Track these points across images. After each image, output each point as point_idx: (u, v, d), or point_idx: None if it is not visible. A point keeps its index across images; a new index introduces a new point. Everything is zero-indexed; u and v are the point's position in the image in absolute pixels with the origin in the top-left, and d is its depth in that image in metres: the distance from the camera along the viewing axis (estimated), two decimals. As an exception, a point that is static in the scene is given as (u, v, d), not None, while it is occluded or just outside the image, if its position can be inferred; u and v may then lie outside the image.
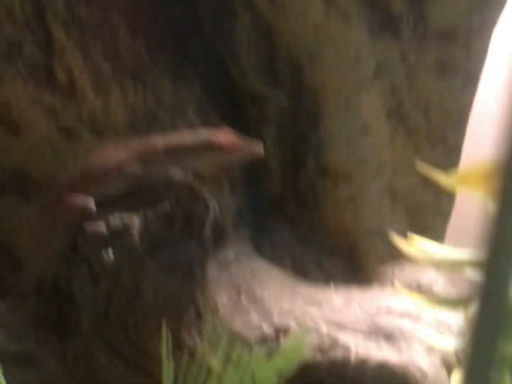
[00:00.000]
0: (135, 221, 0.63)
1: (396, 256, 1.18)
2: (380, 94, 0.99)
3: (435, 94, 1.05)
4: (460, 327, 0.91)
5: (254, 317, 0.82)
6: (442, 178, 0.60)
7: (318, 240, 1.14)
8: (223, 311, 0.78)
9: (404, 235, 1.19)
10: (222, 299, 0.79)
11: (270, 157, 1.05)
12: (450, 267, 0.62)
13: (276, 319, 0.83)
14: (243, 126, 1.04)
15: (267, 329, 0.81)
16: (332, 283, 0.94)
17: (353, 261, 1.18)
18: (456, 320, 0.91)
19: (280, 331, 0.83)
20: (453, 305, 0.81)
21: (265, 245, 1.11)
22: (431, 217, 1.18)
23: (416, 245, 0.68)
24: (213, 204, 0.67)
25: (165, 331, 0.61)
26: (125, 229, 0.63)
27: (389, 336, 0.88)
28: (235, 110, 1.00)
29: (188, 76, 0.95)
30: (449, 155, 1.14)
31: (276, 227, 1.11)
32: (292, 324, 0.85)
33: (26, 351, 0.64)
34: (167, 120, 0.94)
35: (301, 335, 0.48)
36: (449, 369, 0.87)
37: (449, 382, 0.85)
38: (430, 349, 0.86)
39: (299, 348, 0.47)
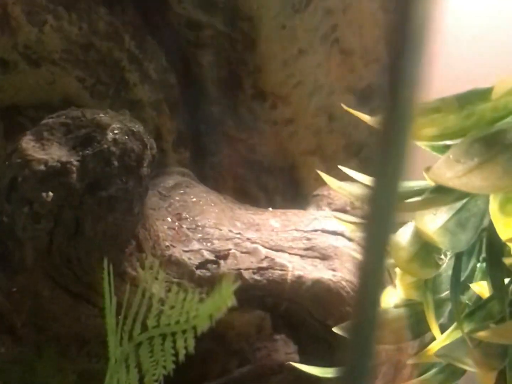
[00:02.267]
0: (73, 159, 0.65)
1: (334, 176, 1.23)
2: (315, 18, 1.00)
3: (368, 15, 1.06)
4: (390, 246, 0.95)
5: (195, 244, 0.85)
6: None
7: (258, 161, 1.17)
8: (164, 240, 0.81)
9: (341, 153, 1.23)
10: (163, 228, 0.82)
11: (208, 81, 1.06)
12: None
13: (217, 244, 0.87)
14: (181, 51, 1.04)
15: (208, 254, 0.85)
16: (270, 208, 0.97)
17: (292, 181, 1.22)
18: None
19: (220, 256, 0.86)
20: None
21: (206, 167, 1.13)
22: (366, 134, 1.22)
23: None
24: (150, 141, 0.69)
25: (106, 263, 0.64)
26: (63, 168, 0.65)
27: (323, 256, 0.93)
28: (172, 35, 1.00)
29: (123, 3, 0.95)
30: (384, 74, 1.17)
31: (216, 149, 1.13)
32: (232, 248, 0.88)
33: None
34: (104, 47, 0.94)
35: (230, 281, 0.51)
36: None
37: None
38: (362, 267, 0.91)
39: (228, 294, 0.50)
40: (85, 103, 0.96)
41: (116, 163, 0.67)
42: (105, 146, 0.67)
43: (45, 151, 0.68)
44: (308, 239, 0.93)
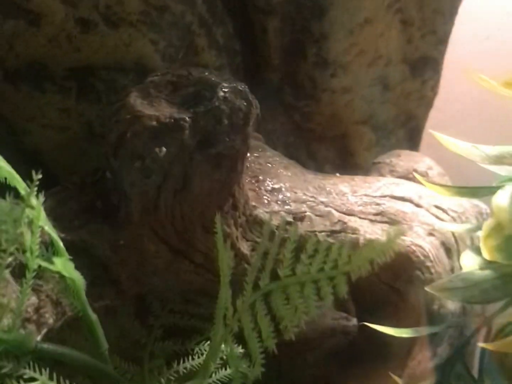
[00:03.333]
0: (186, 116, 0.66)
1: (383, 144, 1.25)
2: (383, -13, 1.02)
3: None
4: (457, 212, 0.98)
5: (274, 206, 0.86)
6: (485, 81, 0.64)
7: (311, 129, 1.19)
8: (250, 201, 0.83)
9: (391, 123, 1.25)
10: (247, 189, 0.84)
11: (271, 48, 1.08)
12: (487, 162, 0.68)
13: (293, 206, 0.88)
14: (247, 17, 1.05)
15: (286, 215, 0.86)
16: (337, 173, 0.99)
17: (343, 150, 1.24)
18: (452, 205, 0.98)
19: (297, 218, 0.88)
20: (452, 193, 0.88)
21: (260, 132, 1.15)
22: (416, 105, 1.24)
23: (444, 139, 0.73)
24: (254, 100, 0.70)
25: (217, 223, 0.66)
26: (176, 125, 0.66)
27: (393, 221, 0.95)
28: (241, 1, 1.01)
29: (196, -33, 0.95)
30: (437, 46, 1.19)
31: (272, 115, 1.14)
32: (307, 211, 0.90)
33: (81, 241, 0.68)
34: (178, 10, 0.95)
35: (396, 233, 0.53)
36: (447, 250, 0.94)
37: (448, 261, 0.93)
38: (430, 232, 0.93)
39: (392, 242, 0.52)
40: (156, 65, 0.97)
41: (226, 121, 0.69)
42: (217, 104, 0.68)
43: (155, 108, 0.69)
44: (377, 204, 0.95)
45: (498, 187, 0.71)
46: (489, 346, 0.70)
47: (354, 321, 1.15)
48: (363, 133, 1.19)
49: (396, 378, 0.85)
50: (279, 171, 0.93)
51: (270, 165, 0.93)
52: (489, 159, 0.70)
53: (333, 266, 0.57)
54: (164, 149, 0.66)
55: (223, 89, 0.69)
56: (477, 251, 0.82)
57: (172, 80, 0.71)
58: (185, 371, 0.77)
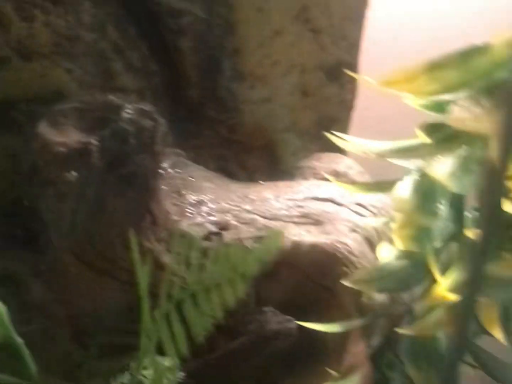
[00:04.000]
0: (92, 140, 0.69)
1: (309, 149, 1.29)
2: (287, 0, 1.06)
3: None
4: (377, 207, 1.02)
5: (198, 218, 0.89)
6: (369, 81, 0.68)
7: (237, 140, 1.22)
8: (171, 215, 0.85)
9: (314, 128, 1.29)
10: (169, 204, 0.87)
11: (187, 66, 1.11)
12: (381, 157, 0.72)
13: (218, 217, 0.91)
14: (161, 38, 1.09)
15: (211, 226, 0.89)
16: (260, 181, 1.02)
17: (271, 158, 1.27)
18: (372, 201, 1.02)
19: (222, 227, 0.91)
20: (370, 189, 0.92)
21: (189, 149, 1.18)
22: (337, 109, 1.28)
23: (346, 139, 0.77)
24: (160, 119, 0.73)
25: (132, 239, 0.68)
26: (84, 149, 0.69)
27: (316, 221, 0.98)
28: (153, 24, 1.04)
29: (105, -6, 0.98)
30: (350, 51, 1.23)
31: (197, 131, 1.17)
32: (232, 220, 0.93)
33: (3, 268, 0.70)
34: (90, 39, 0.98)
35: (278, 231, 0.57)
36: (370, 244, 0.98)
37: (373, 255, 0.97)
38: (353, 229, 0.97)
39: (277, 240, 0.55)
40: (75, 94, 0.99)
41: (133, 141, 0.72)
42: (122, 125, 0.71)
43: (63, 135, 0.72)
44: (300, 207, 0.98)
45: (399, 180, 0.75)
46: (405, 331, 0.74)
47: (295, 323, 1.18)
48: (288, 140, 1.23)
49: (332, 371, 0.88)
50: (202, 184, 0.96)
51: (192, 179, 0.96)
52: (382, 154, 0.74)
53: (232, 269, 0.60)
54: (74, 173, 0.69)
55: (127, 111, 0.72)
56: (393, 242, 0.86)
57: (78, 106, 0.74)
58: (121, 387, 0.79)
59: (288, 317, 1.22)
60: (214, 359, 1.09)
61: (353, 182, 1.07)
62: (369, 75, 1.20)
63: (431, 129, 0.69)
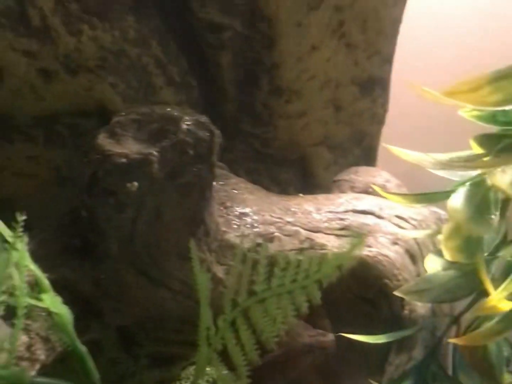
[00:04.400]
0: (153, 151, 0.70)
1: (340, 163, 1.30)
2: (326, 15, 1.07)
3: (371, 10, 1.14)
4: (416, 220, 1.03)
5: (244, 229, 0.90)
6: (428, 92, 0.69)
7: (270, 154, 1.23)
8: (220, 226, 0.86)
9: (347, 142, 1.31)
10: (217, 217, 0.88)
11: (226, 81, 1.12)
12: (439, 167, 0.73)
13: (262, 228, 0.92)
14: (200, 53, 1.10)
15: (256, 238, 0.90)
16: (300, 194, 1.03)
17: (303, 171, 1.29)
18: (412, 214, 1.03)
19: (267, 239, 0.92)
20: (410, 201, 0.93)
21: (222, 162, 1.19)
22: (368, 123, 1.30)
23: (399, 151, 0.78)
24: (216, 131, 0.74)
25: (191, 248, 0.69)
26: (145, 159, 0.70)
27: (357, 234, 0.99)
28: (193, 39, 1.06)
29: (148, 10, 1.00)
30: (383, 66, 1.25)
31: (232, 144, 1.19)
32: (276, 232, 0.94)
33: (63, 278, 0.71)
34: (134, 53, 0.99)
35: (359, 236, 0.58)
36: (411, 257, 0.99)
37: (414, 268, 0.98)
38: (394, 241, 0.98)
39: (358, 245, 0.56)
40: (118, 107, 1.01)
41: (191, 152, 0.73)
42: (181, 136, 0.72)
43: (122, 146, 0.73)
44: (341, 219, 0.99)
45: (452, 191, 0.76)
46: (457, 341, 0.74)
47: (330, 336, 1.19)
48: (320, 154, 1.24)
49: (374, 383, 0.89)
50: (245, 196, 0.97)
51: (235, 191, 0.97)
52: (439, 165, 0.75)
53: (305, 276, 0.61)
54: (135, 183, 0.70)
55: (186, 122, 0.73)
56: (439, 254, 0.86)
57: (136, 118, 0.75)
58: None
59: (321, 331, 1.23)
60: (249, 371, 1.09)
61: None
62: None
63: (487, 140, 0.70)
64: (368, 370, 0.98)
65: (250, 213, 0.94)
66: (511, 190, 0.64)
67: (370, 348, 0.95)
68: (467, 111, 0.71)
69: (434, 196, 0.80)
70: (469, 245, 0.80)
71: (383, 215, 1.01)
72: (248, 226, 0.93)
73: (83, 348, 0.67)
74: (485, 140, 0.70)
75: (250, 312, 0.63)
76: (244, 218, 0.93)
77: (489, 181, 0.68)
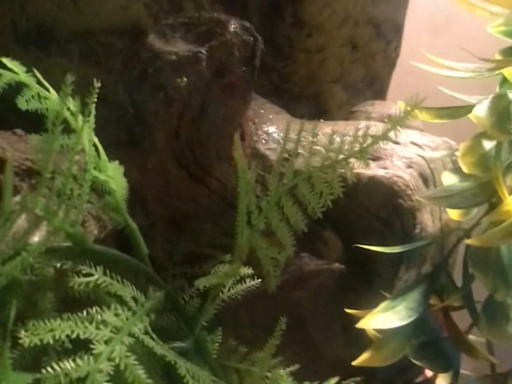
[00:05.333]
0: (202, 49, 0.75)
1: (353, 103, 1.36)
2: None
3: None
4: (431, 147, 1.09)
5: (272, 144, 0.96)
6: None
7: (288, 89, 1.28)
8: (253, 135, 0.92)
9: (360, 82, 1.36)
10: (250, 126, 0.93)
11: (250, 11, 1.17)
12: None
13: (288, 146, 0.97)
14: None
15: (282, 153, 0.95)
16: (321, 119, 1.08)
17: (319, 108, 1.34)
18: (426, 141, 1.09)
19: (292, 155, 0.97)
20: (432, 116, 0.98)
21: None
22: (381, 65, 1.35)
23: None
24: (259, 37, 0.80)
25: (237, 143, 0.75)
26: (194, 57, 0.75)
27: (375, 157, 1.05)
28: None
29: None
30: (398, 8, 1.30)
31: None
32: (300, 149, 0.99)
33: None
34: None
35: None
36: (424, 180, 1.05)
37: (426, 189, 1.04)
38: (409, 165, 1.04)
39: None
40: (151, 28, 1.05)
41: (237, 53, 0.78)
42: (229, 37, 0.77)
43: (172, 45, 0.78)
44: (360, 143, 1.05)
45: (474, 105, 0.82)
46: (472, 241, 0.80)
47: (337, 264, 1.25)
48: (335, 92, 1.29)
49: (385, 294, 0.94)
50: (271, 116, 1.02)
51: (263, 111, 1.02)
52: (467, 72, 0.80)
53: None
54: (185, 79, 0.75)
55: (233, 25, 0.78)
56: (455, 171, 0.93)
57: (184, 21, 0.80)
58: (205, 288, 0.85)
59: (328, 261, 1.29)
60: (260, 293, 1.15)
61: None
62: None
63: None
64: (379, 285, 1.04)
65: (277, 131, 1.00)
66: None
67: (381, 263, 1.01)
68: (494, 27, 0.77)
69: (457, 111, 0.86)
70: (484, 160, 0.86)
71: (399, 141, 1.07)
72: (275, 142, 0.98)
73: (134, 225, 0.73)
74: (509, 51, 0.76)
75: (297, 189, 0.69)
76: (271, 134, 0.99)
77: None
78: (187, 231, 0.90)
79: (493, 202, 0.86)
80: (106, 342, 0.61)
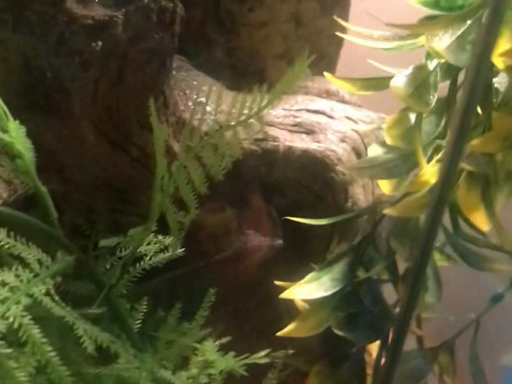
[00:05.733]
0: (118, 14, 0.75)
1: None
2: None
3: None
4: (365, 122, 1.09)
5: (202, 115, 0.95)
6: None
7: (232, 64, 1.28)
8: (179, 105, 0.92)
9: (306, 59, 1.36)
10: (176, 96, 0.93)
11: (192, -15, 1.17)
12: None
13: (219, 116, 0.98)
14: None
15: (212, 124, 0.95)
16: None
17: (262, 84, 1.33)
18: (361, 116, 1.09)
19: (223, 127, 0.97)
20: (358, 87, 0.98)
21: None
22: (327, 43, 1.35)
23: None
24: (179, 3, 0.79)
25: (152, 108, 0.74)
26: (110, 21, 0.74)
27: (308, 131, 1.05)
28: None
29: None
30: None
31: (195, 52, 1.23)
32: (232, 122, 0.99)
33: (28, 131, 0.75)
34: None
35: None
36: (357, 154, 1.06)
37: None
38: (342, 139, 1.04)
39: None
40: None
41: (154, 18, 0.77)
42: (146, 2, 0.77)
43: (89, 9, 0.78)
44: (294, 117, 1.05)
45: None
46: (391, 211, 0.81)
47: (280, 241, 1.26)
48: (280, 68, 1.29)
49: (314, 265, 0.95)
50: (204, 87, 1.02)
51: (196, 82, 1.02)
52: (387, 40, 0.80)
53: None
54: (100, 43, 0.75)
55: (152, -10, 0.78)
56: (381, 144, 0.93)
57: (103, -15, 0.79)
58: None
59: (272, 238, 1.29)
60: (202, 266, 1.15)
61: (343, 100, 1.14)
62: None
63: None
64: (311, 258, 1.05)
65: (209, 102, 1.00)
66: (446, 54, 0.70)
67: (313, 236, 1.02)
68: (413, -3, 0.77)
69: (382, 82, 0.86)
70: (409, 133, 0.86)
71: (334, 116, 1.07)
72: (205, 112, 0.98)
73: (43, 188, 0.72)
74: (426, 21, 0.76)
75: (202, 152, 0.69)
76: (202, 105, 0.98)
77: (426, 46, 0.74)
78: (112, 199, 0.89)
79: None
80: (2, 302, 0.61)
